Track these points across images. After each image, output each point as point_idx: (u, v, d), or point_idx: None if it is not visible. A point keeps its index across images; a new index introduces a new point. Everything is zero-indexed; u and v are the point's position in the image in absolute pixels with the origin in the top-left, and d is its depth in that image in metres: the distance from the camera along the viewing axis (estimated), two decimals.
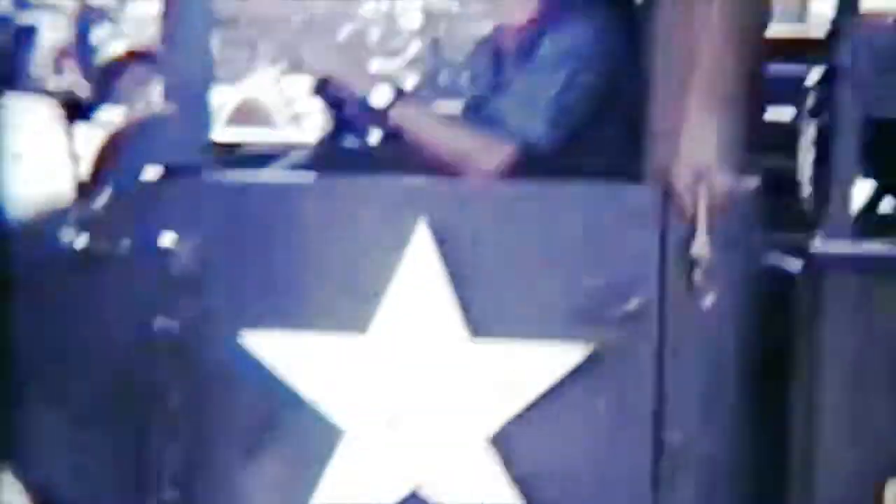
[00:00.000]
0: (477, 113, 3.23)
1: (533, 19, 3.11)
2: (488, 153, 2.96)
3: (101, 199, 2.89)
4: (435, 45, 9.38)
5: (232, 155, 3.83)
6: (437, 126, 3.06)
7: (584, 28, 3.02)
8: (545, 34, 3.06)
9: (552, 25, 3.06)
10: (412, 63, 8.82)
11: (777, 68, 3.35)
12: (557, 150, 2.97)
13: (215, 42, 2.95)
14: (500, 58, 3.26)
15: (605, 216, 2.77)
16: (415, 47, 9.38)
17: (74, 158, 3.46)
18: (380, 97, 3.02)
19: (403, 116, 3.03)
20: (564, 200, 2.80)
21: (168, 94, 2.88)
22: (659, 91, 2.73)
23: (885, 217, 3.58)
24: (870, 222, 3.10)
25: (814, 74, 3.32)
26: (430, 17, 11.95)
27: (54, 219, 2.88)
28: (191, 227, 2.80)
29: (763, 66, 2.95)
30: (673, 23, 2.73)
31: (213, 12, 2.90)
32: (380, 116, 3.04)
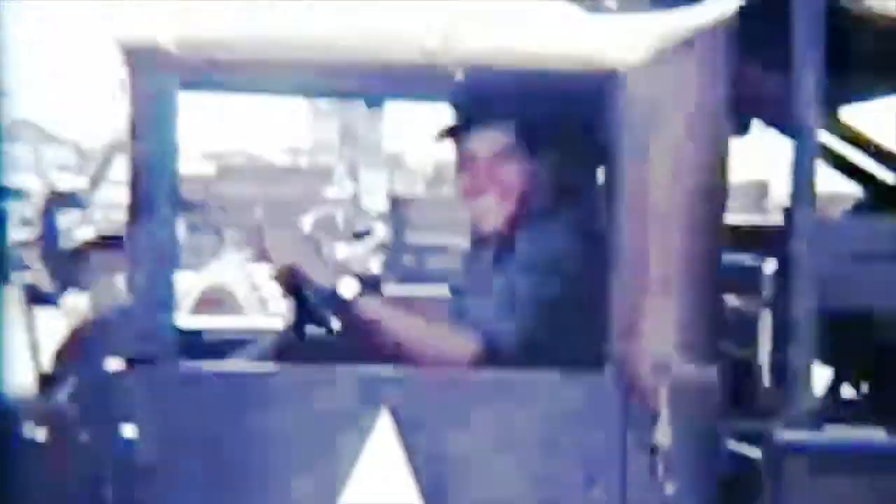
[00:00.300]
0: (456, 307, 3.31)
1: (507, 225, 3.20)
2: (456, 351, 3.00)
3: (63, 391, 2.88)
4: (399, 229, 9.47)
5: (197, 342, 3.84)
6: (404, 320, 3.09)
7: (553, 236, 3.11)
8: (519, 239, 3.15)
9: (524, 231, 3.15)
10: (377, 247, 8.89)
11: (735, 257, 3.41)
12: (524, 343, 3.01)
13: (181, 228, 2.97)
14: (476, 257, 3.35)
15: (566, 405, 2.79)
16: (380, 230, 9.48)
17: (36, 348, 3.45)
18: (345, 289, 3.06)
19: (369, 310, 3.07)
20: (526, 389, 2.83)
21: (132, 283, 2.89)
22: (619, 284, 2.78)
23: (844, 404, 3.61)
24: (829, 410, 3.12)
25: (771, 264, 3.38)
26: (394, 201, 12.11)
27: (13, 411, 2.87)
28: (152, 417, 2.79)
29: (721, 256, 3.00)
30: (632, 213, 2.80)
31: (179, 198, 2.92)
32: (343, 307, 3.07)
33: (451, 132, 3.30)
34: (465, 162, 3.24)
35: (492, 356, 2.98)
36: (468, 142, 3.23)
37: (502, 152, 3.20)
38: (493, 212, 3.22)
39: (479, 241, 3.43)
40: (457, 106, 3.32)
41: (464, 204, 3.29)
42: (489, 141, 3.20)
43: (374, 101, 3.55)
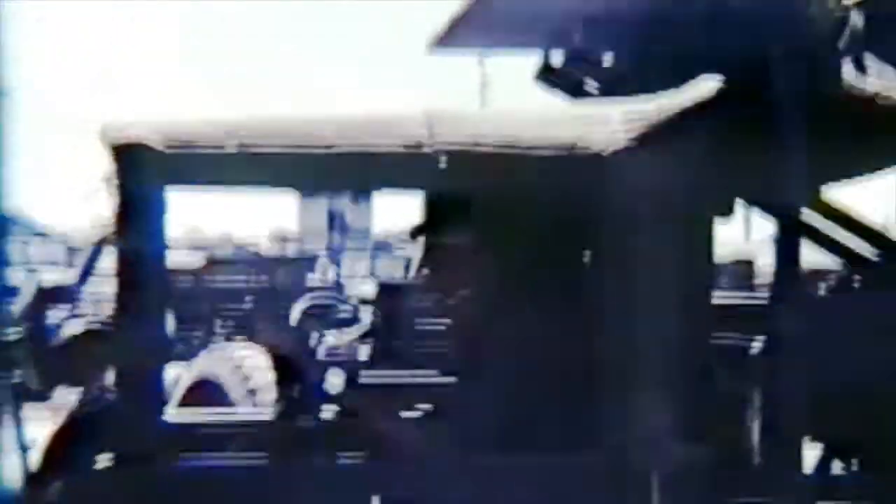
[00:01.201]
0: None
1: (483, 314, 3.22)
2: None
3: (53, 491, 2.86)
4: (387, 316, 9.46)
5: (187, 436, 3.81)
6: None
7: (536, 321, 3.12)
8: (501, 327, 3.16)
9: (508, 318, 3.17)
10: (365, 335, 8.86)
11: (722, 337, 3.42)
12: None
13: (170, 320, 2.97)
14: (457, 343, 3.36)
15: (560, 488, 2.78)
16: (367, 317, 9.46)
17: (25, 447, 3.42)
18: (334, 381, 3.06)
19: (357, 403, 3.07)
20: (520, 473, 2.81)
21: (121, 378, 2.88)
22: (610, 367, 2.79)
23: (835, 481, 3.59)
24: (820, 487, 3.11)
25: (758, 343, 3.38)
26: (382, 286, 12.08)
27: None
28: None
29: (709, 336, 3.01)
30: (617, 296, 2.81)
31: (168, 290, 2.92)
32: (333, 398, 3.07)
33: (424, 228, 3.31)
34: (438, 255, 3.26)
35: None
36: (443, 236, 3.24)
37: (478, 242, 3.21)
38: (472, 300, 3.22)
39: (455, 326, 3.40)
40: (430, 202, 3.32)
41: (441, 294, 3.29)
42: (464, 234, 3.21)
43: (359, 194, 3.58)
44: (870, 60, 2.92)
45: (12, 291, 8.14)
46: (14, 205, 2.64)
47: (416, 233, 3.35)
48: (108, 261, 3.12)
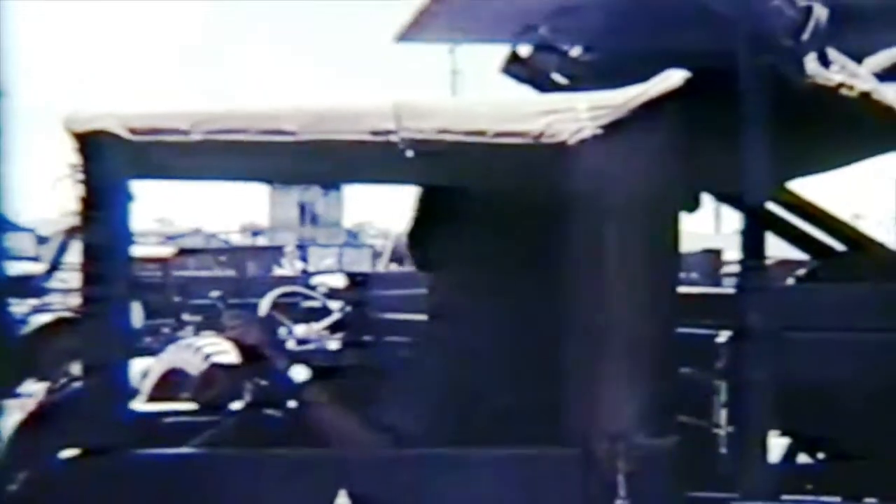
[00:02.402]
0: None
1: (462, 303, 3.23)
2: None
3: (19, 481, 2.85)
4: (357, 307, 9.46)
5: (155, 427, 3.81)
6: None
7: (505, 313, 3.14)
8: (474, 316, 3.17)
9: (480, 309, 3.18)
10: (335, 326, 8.86)
11: (689, 328, 3.43)
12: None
13: (137, 312, 2.96)
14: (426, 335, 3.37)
15: (525, 480, 2.78)
16: (336, 309, 9.45)
17: None
18: (297, 372, 3.07)
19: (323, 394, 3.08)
20: (484, 466, 2.82)
21: (88, 369, 2.87)
22: (574, 358, 2.79)
23: (801, 473, 3.61)
24: (786, 480, 3.13)
25: (725, 333, 3.40)
26: (352, 277, 12.09)
27: None
28: None
29: (675, 327, 3.02)
30: (584, 287, 2.82)
31: (135, 282, 2.91)
32: (298, 389, 3.07)
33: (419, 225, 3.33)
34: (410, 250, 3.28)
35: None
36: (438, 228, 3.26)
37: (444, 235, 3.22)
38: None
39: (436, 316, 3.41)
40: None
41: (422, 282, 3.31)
42: (434, 225, 3.22)
43: (330, 186, 3.59)
44: (833, 54, 2.94)
45: None
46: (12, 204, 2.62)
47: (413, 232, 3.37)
48: (76, 252, 3.11)
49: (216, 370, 5.71)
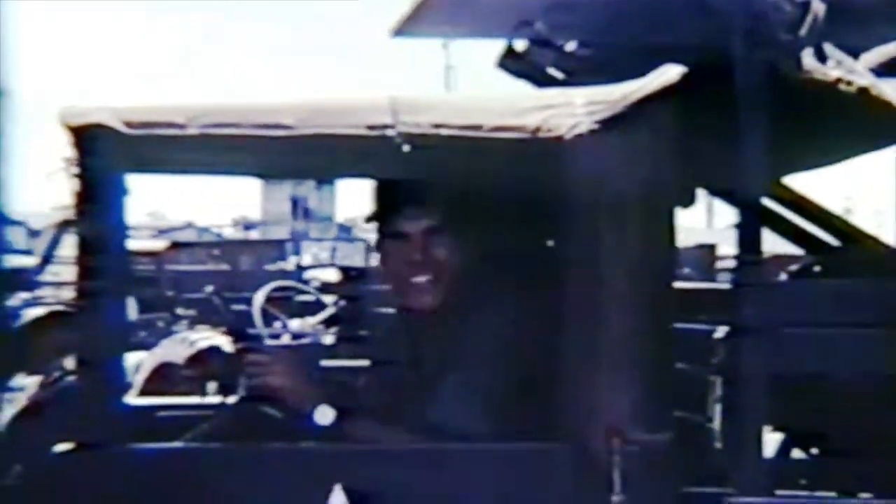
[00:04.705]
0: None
1: (439, 306, 3.21)
2: None
3: (12, 475, 2.85)
4: (350, 301, 9.47)
5: (148, 421, 3.80)
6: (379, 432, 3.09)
7: (495, 309, 3.12)
8: (454, 319, 3.15)
9: (457, 312, 3.17)
10: (328, 321, 8.86)
11: (684, 323, 3.43)
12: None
13: (131, 306, 2.96)
14: (411, 335, 3.34)
15: (521, 475, 2.79)
16: (330, 304, 9.46)
17: None
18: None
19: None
20: (481, 461, 2.82)
21: (82, 363, 2.87)
22: (569, 353, 2.80)
23: (795, 469, 3.62)
24: (781, 474, 3.13)
25: (721, 329, 3.40)
26: (345, 271, 12.11)
27: None
28: (104, 500, 2.76)
29: (671, 322, 3.02)
30: (579, 283, 2.82)
31: (129, 275, 2.91)
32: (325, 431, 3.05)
33: (382, 212, 3.29)
34: (395, 241, 3.24)
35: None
36: (400, 221, 3.22)
37: (436, 230, 3.20)
38: (428, 290, 3.21)
39: (409, 317, 3.38)
40: (386, 185, 3.31)
41: (393, 282, 3.28)
42: (422, 219, 3.20)
43: (323, 181, 3.57)
44: (830, 49, 2.93)
45: None
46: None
47: (371, 218, 3.34)
48: (69, 245, 3.10)
49: (204, 354, 5.72)
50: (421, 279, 3.20)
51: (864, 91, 2.94)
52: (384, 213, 3.28)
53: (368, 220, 3.35)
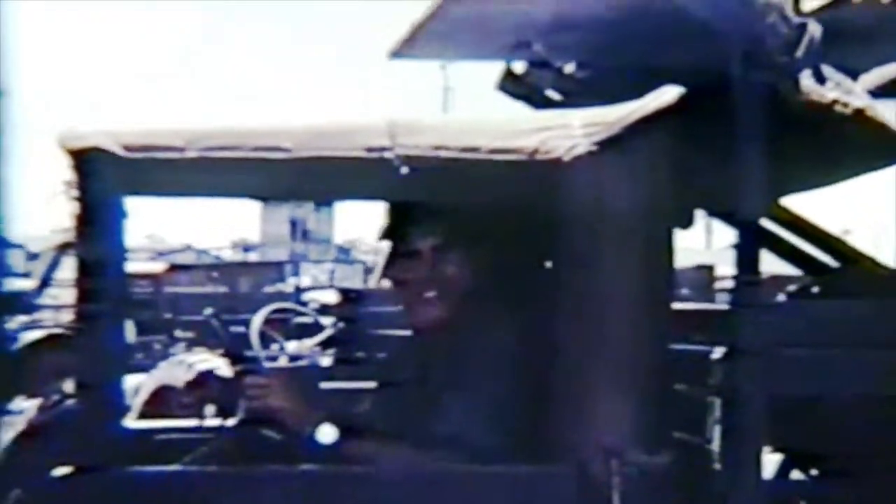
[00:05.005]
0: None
1: (446, 323, 3.21)
2: None
3: (11, 498, 2.84)
4: (349, 324, 9.47)
5: (147, 444, 3.80)
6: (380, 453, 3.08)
7: (497, 328, 3.13)
8: (458, 337, 3.16)
9: (468, 326, 3.17)
10: (327, 342, 8.86)
11: (683, 344, 3.43)
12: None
13: (130, 328, 2.96)
14: (418, 352, 3.34)
15: (522, 497, 2.78)
16: (329, 325, 9.46)
17: None
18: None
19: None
20: (480, 483, 2.82)
21: (80, 386, 2.86)
22: (568, 374, 2.79)
23: (794, 490, 3.61)
24: (780, 495, 3.13)
25: (719, 350, 3.40)
26: (344, 293, 12.10)
27: None
28: None
29: (669, 343, 3.02)
30: (578, 303, 2.82)
31: (128, 298, 2.91)
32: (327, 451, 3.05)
33: (391, 230, 3.31)
34: (405, 259, 3.25)
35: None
36: (410, 239, 3.24)
37: (444, 248, 3.21)
38: (436, 306, 3.22)
39: (417, 334, 3.39)
40: (397, 204, 3.32)
41: (403, 299, 3.29)
42: (431, 238, 3.21)
43: (321, 203, 3.57)
44: (828, 71, 2.94)
45: None
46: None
47: (382, 236, 3.35)
48: (68, 268, 3.11)
49: (204, 377, 5.71)
50: (430, 295, 3.22)
51: (859, 112, 2.95)
52: (395, 231, 3.30)
53: (380, 238, 3.37)
